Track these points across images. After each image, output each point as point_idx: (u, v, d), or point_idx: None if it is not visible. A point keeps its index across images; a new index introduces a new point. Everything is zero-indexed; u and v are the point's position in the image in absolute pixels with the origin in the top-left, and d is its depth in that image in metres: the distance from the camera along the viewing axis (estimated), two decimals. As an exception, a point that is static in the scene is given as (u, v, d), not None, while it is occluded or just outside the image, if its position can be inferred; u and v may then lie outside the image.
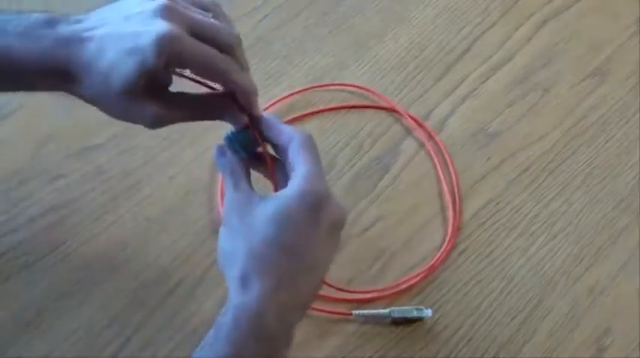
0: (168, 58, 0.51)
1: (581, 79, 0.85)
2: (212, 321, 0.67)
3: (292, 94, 0.81)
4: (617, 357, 0.67)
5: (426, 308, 0.68)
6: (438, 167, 0.78)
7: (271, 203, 0.51)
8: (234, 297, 0.51)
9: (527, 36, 0.88)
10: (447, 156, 0.78)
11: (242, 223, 0.52)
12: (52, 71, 0.53)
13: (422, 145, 0.79)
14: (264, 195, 0.53)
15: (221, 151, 0.57)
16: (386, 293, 0.69)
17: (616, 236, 0.74)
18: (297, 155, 0.53)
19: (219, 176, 0.75)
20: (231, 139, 0.57)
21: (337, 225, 0.53)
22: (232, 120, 0.57)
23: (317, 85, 0.82)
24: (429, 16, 0.90)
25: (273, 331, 0.51)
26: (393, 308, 0.68)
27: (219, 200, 0.74)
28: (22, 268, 0.70)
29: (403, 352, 0.67)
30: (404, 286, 0.70)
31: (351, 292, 0.69)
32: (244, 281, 0.50)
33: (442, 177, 0.77)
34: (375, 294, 0.69)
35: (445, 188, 0.76)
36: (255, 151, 0.57)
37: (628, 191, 0.77)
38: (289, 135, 0.54)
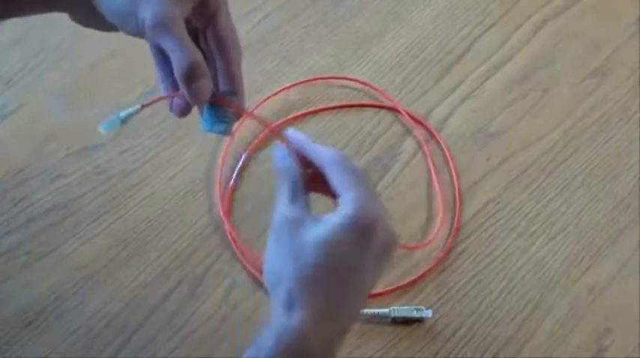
0: None
1: (581, 79, 0.85)
2: (212, 321, 0.68)
3: (294, 85, 0.81)
4: (617, 357, 0.67)
5: (426, 309, 0.68)
6: (439, 167, 0.78)
7: (322, 228, 0.50)
8: (278, 318, 0.50)
9: (527, 36, 0.88)
10: (447, 155, 0.78)
11: (293, 242, 0.51)
12: None
13: (422, 145, 0.79)
14: (317, 217, 0.51)
15: (283, 153, 0.55)
16: (387, 289, 0.69)
17: (616, 236, 0.74)
18: (340, 177, 0.52)
19: (218, 175, 0.75)
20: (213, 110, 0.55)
21: (387, 250, 0.52)
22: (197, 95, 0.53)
23: (317, 77, 0.83)
24: (429, 16, 0.90)
25: (315, 356, 0.49)
26: (393, 308, 0.68)
27: (218, 200, 0.74)
28: (22, 268, 0.70)
29: (403, 352, 0.67)
30: (404, 283, 0.70)
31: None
32: (290, 303, 0.49)
33: (443, 176, 0.77)
34: (378, 288, 0.69)
35: (446, 188, 0.76)
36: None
37: (628, 191, 0.77)
38: (324, 155, 0.53)
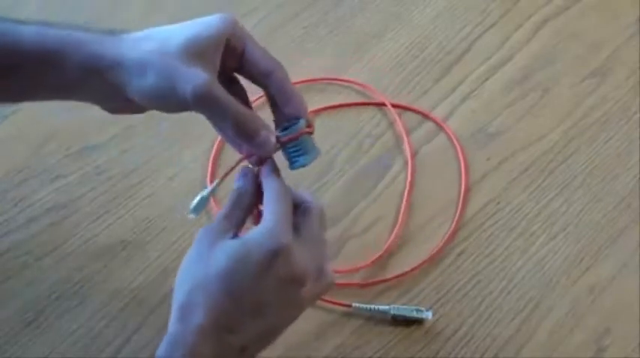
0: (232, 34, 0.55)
1: (581, 79, 0.85)
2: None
3: (295, 84, 0.81)
4: (617, 357, 0.67)
5: (427, 310, 0.68)
6: (440, 166, 0.78)
7: (236, 242, 0.52)
8: (173, 324, 0.51)
9: (527, 36, 0.88)
10: (448, 155, 0.78)
11: (208, 251, 0.52)
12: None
13: (423, 145, 0.79)
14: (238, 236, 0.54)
15: (245, 173, 0.57)
16: (386, 278, 0.70)
17: (616, 236, 0.74)
18: (269, 204, 0.54)
19: (209, 169, 0.75)
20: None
21: (294, 281, 0.52)
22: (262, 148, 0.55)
23: (317, 78, 0.83)
24: (429, 16, 0.90)
25: None
26: (393, 305, 0.68)
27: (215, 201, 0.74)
28: (22, 268, 0.70)
29: (403, 352, 0.67)
30: (399, 274, 0.70)
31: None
32: (184, 309, 0.51)
33: (443, 176, 0.77)
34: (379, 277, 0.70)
35: (445, 187, 0.76)
36: None
37: (628, 191, 0.77)
38: (269, 183, 0.55)
